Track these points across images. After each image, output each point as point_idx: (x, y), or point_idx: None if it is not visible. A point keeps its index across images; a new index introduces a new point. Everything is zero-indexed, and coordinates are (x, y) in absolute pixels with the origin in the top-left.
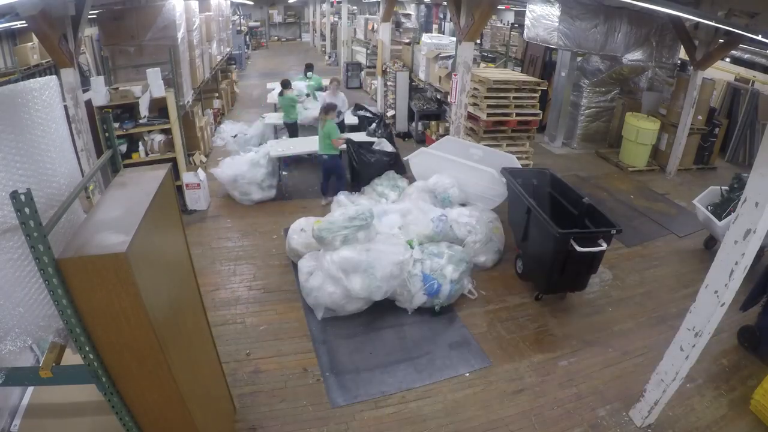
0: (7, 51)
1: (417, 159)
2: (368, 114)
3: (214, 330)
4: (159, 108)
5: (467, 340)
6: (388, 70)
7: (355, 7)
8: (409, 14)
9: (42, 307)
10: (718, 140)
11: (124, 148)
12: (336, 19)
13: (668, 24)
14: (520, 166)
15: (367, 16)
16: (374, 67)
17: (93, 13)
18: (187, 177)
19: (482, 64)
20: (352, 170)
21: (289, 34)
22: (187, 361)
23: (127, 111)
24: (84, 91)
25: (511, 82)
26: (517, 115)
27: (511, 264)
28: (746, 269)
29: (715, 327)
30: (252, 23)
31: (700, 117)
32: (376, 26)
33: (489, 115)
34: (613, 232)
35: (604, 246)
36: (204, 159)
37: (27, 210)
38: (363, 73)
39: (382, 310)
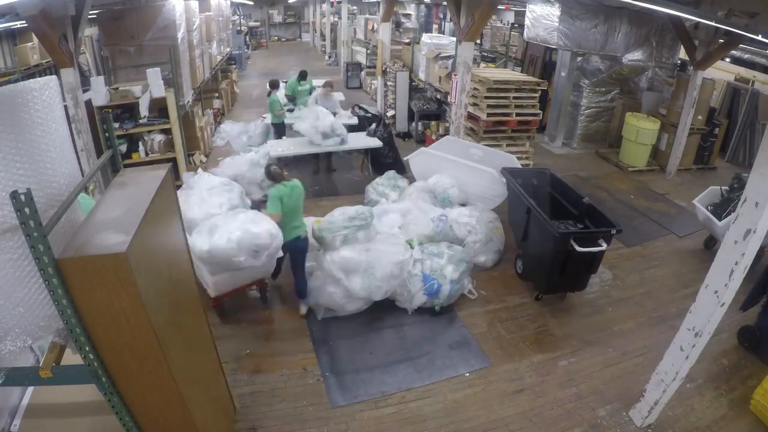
0: (7, 51)
1: (417, 159)
2: (367, 114)
3: (214, 330)
4: (159, 108)
5: (467, 340)
6: (388, 70)
7: (355, 7)
8: (409, 14)
9: (42, 307)
10: (718, 140)
11: (124, 148)
12: (336, 19)
13: (668, 24)
14: (520, 166)
15: (367, 16)
16: (374, 67)
17: (93, 13)
18: (187, 177)
19: (482, 64)
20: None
21: (289, 34)
22: (187, 361)
23: (127, 111)
24: (84, 91)
25: (511, 82)
26: (517, 115)
27: (511, 264)
28: (746, 269)
29: (715, 327)
30: (252, 23)
31: (700, 117)
32: (376, 26)
33: (489, 115)
34: (613, 232)
35: (604, 246)
36: (204, 159)
37: (27, 210)
38: (363, 73)
39: (382, 310)
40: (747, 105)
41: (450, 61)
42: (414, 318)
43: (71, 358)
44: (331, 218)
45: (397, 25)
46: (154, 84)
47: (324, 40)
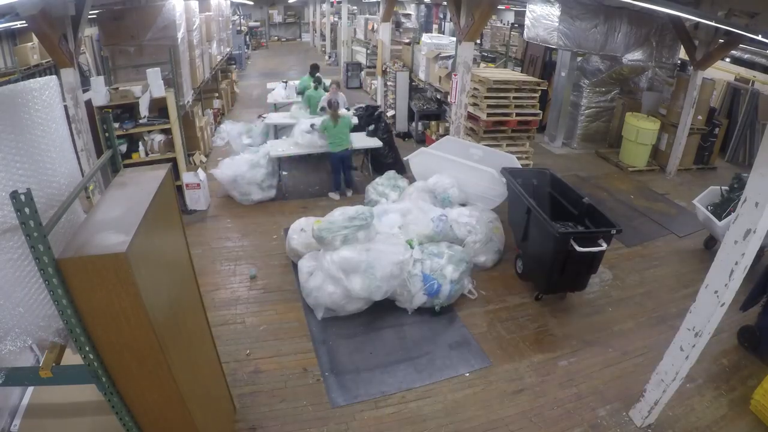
0: (7, 51)
1: (417, 159)
2: (362, 107)
3: (214, 330)
4: (159, 108)
5: (467, 340)
6: (388, 70)
7: (355, 7)
8: (409, 14)
9: (42, 307)
10: (718, 140)
11: (124, 148)
12: (336, 19)
13: (668, 24)
14: (520, 166)
15: (367, 16)
16: (374, 67)
17: (93, 13)
18: (187, 177)
19: (482, 64)
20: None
21: (289, 34)
22: (187, 361)
23: (127, 111)
24: (84, 91)
25: (511, 82)
26: (517, 115)
27: (511, 264)
28: (746, 269)
29: (715, 327)
30: (252, 23)
31: (700, 117)
32: (376, 26)
33: (489, 115)
34: (613, 232)
35: (604, 246)
36: (204, 159)
37: (27, 210)
38: (363, 73)
39: (382, 310)
40: (747, 105)
41: (450, 61)
42: (414, 318)
43: (71, 358)
44: (331, 218)
45: (397, 25)
46: (154, 84)
47: (324, 40)
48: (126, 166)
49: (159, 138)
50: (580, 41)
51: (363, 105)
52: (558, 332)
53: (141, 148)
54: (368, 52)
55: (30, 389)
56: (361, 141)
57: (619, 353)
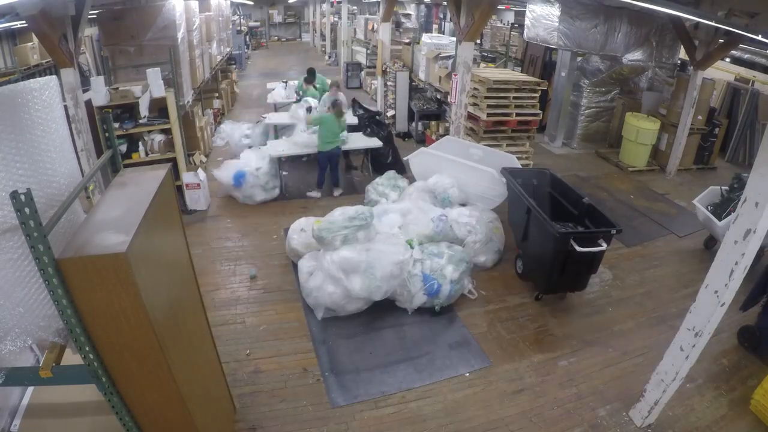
0: (7, 51)
1: (417, 159)
2: (364, 111)
3: (214, 330)
4: (159, 108)
5: (467, 340)
6: (388, 70)
7: (355, 7)
8: (409, 14)
9: (42, 307)
10: (718, 140)
11: (124, 148)
12: (336, 19)
13: (668, 24)
14: (520, 166)
15: (367, 16)
16: (374, 67)
17: (93, 13)
18: (187, 177)
19: (482, 64)
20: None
21: (289, 34)
22: (187, 361)
23: (127, 111)
24: (84, 91)
25: (511, 82)
26: (517, 115)
27: (511, 264)
28: (746, 269)
29: (715, 327)
30: (252, 23)
31: (700, 117)
32: (376, 26)
33: (489, 115)
34: (613, 232)
35: (604, 246)
36: (204, 159)
37: (27, 210)
38: (363, 73)
39: (382, 310)
40: (747, 105)
41: (450, 61)
42: (414, 318)
43: (71, 358)
44: (331, 218)
45: (397, 25)
46: (154, 84)
47: (324, 40)
48: (126, 166)
49: (159, 138)
50: (580, 41)
51: (363, 112)
52: (558, 332)
53: (141, 148)
54: (368, 52)
55: (30, 389)
56: (361, 141)
57: (619, 353)
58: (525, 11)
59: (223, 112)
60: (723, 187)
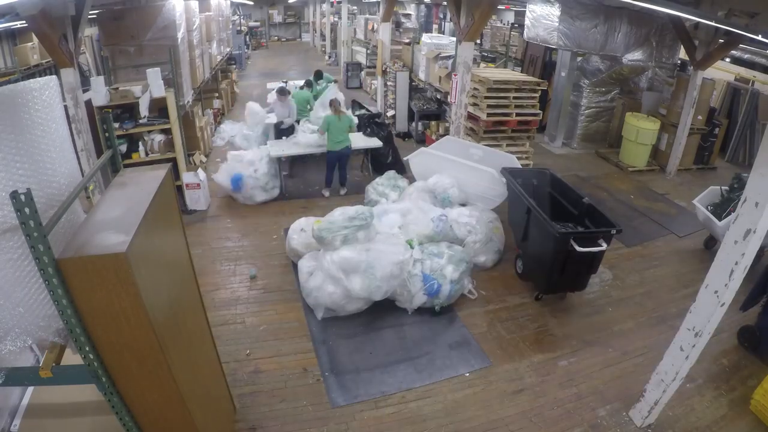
0: (7, 51)
1: (417, 159)
2: (365, 112)
3: (214, 330)
4: (159, 108)
5: (467, 340)
6: (388, 70)
7: (355, 7)
8: (409, 14)
9: (42, 307)
10: (718, 140)
11: (124, 148)
12: (336, 19)
13: (668, 24)
14: (520, 166)
15: (367, 16)
16: (374, 67)
17: (93, 13)
18: (187, 177)
19: (482, 64)
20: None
21: (289, 34)
22: (187, 361)
23: (127, 111)
24: (84, 91)
25: (511, 82)
26: (517, 115)
27: (511, 264)
28: (746, 269)
29: (715, 327)
30: (252, 23)
31: (700, 117)
32: (376, 26)
33: (489, 115)
34: (613, 232)
35: (604, 246)
36: (204, 159)
37: (27, 210)
38: (363, 73)
39: (382, 310)
40: (747, 105)
41: (450, 61)
42: (414, 318)
43: (71, 358)
44: (331, 218)
45: (397, 25)
46: (154, 84)
47: (324, 40)
48: (126, 166)
49: (159, 138)
50: (580, 41)
51: (364, 112)
52: (558, 332)
53: (141, 148)
54: (368, 52)
55: (30, 389)
56: (361, 141)
57: (619, 353)
58: (525, 11)
59: (223, 112)
60: (723, 187)
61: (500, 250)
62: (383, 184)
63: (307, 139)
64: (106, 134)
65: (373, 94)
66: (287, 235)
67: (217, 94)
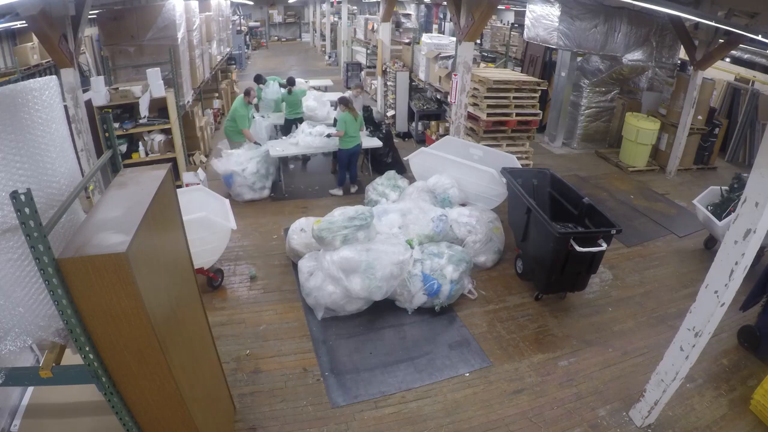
0: (7, 51)
1: (417, 159)
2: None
3: (214, 330)
4: (159, 108)
5: (467, 340)
6: (388, 70)
7: (355, 7)
8: (409, 14)
9: (42, 307)
10: (718, 140)
11: (124, 148)
12: (336, 19)
13: (668, 24)
14: (520, 166)
15: (367, 16)
16: (374, 67)
17: (93, 13)
18: (187, 177)
19: (482, 64)
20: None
21: (289, 34)
22: (187, 361)
23: (127, 111)
24: (84, 91)
25: (511, 82)
26: (517, 115)
27: (511, 264)
28: (746, 269)
29: (715, 327)
30: (252, 23)
31: (700, 117)
32: (376, 26)
33: (489, 115)
34: (613, 232)
35: (604, 246)
36: (204, 159)
37: (27, 210)
38: (363, 73)
39: (382, 310)
40: (747, 105)
41: (450, 61)
42: (414, 318)
43: (71, 358)
44: (331, 218)
45: (397, 25)
46: (154, 84)
47: (324, 40)
48: (126, 166)
49: (159, 138)
50: (580, 41)
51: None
52: (558, 332)
53: (141, 148)
54: (368, 52)
55: (30, 389)
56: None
57: (619, 353)
58: (525, 11)
59: (223, 112)
60: (723, 187)
61: (500, 250)
62: (383, 184)
63: (306, 141)
64: (106, 134)
65: (373, 94)
66: (287, 235)
67: (217, 94)
